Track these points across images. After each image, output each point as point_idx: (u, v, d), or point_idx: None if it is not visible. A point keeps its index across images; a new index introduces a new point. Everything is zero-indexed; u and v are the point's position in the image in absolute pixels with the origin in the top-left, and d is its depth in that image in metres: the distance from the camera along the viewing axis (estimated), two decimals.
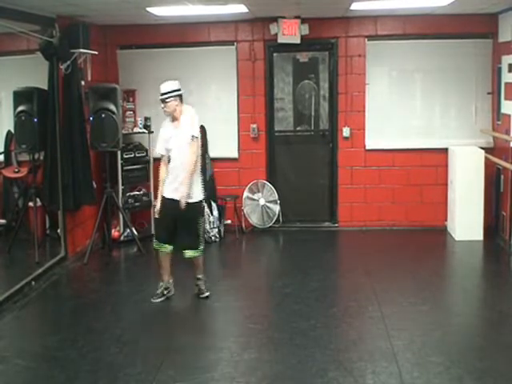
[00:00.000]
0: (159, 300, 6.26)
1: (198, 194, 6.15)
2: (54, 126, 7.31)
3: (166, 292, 6.31)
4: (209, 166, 8.76)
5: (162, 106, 6.06)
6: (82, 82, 7.73)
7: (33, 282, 6.77)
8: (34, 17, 6.85)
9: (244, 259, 8.31)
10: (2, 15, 6.20)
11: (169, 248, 6.22)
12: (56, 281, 7.08)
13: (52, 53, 7.11)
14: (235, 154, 8.98)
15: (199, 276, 6.35)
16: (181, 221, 6.11)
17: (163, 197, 6.12)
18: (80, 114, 7.61)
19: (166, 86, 6.07)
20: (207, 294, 6.32)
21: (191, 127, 6.06)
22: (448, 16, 8.29)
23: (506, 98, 8.01)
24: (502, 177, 8.11)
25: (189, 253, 6.20)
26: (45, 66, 7.20)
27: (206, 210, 8.49)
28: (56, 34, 7.14)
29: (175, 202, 6.02)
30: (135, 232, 8.38)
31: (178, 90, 6.09)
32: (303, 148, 9.10)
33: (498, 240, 8.13)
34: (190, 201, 6.04)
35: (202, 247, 6.27)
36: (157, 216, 6.23)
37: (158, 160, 8.78)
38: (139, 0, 6.69)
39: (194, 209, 6.13)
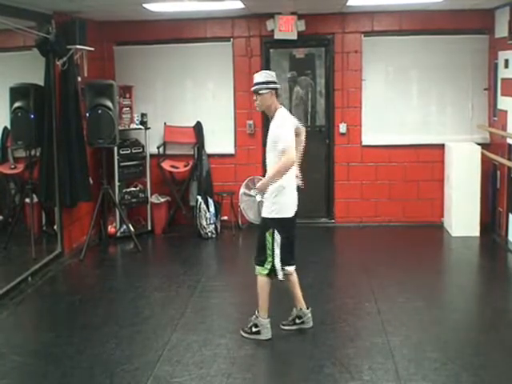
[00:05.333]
0: (287, 328, 5.48)
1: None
2: (51, 123, 7.30)
3: (297, 321, 5.49)
4: (205, 162, 8.78)
5: (254, 98, 5.33)
6: (79, 78, 7.72)
7: (29, 278, 6.77)
8: (30, 13, 6.84)
9: (241, 255, 8.29)
10: None
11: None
12: (52, 277, 7.08)
13: (48, 49, 7.09)
14: (232, 150, 8.98)
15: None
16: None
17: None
18: (76, 111, 7.59)
19: (260, 76, 5.28)
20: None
21: (278, 134, 5.10)
22: (444, 12, 8.29)
23: (502, 94, 8.02)
24: (499, 173, 8.12)
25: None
26: (41, 62, 7.18)
27: (203, 206, 8.50)
28: (52, 30, 7.13)
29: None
30: (131, 228, 8.39)
31: (274, 82, 5.26)
32: None
33: (494, 236, 8.15)
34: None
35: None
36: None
37: (154, 156, 8.92)
38: None
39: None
